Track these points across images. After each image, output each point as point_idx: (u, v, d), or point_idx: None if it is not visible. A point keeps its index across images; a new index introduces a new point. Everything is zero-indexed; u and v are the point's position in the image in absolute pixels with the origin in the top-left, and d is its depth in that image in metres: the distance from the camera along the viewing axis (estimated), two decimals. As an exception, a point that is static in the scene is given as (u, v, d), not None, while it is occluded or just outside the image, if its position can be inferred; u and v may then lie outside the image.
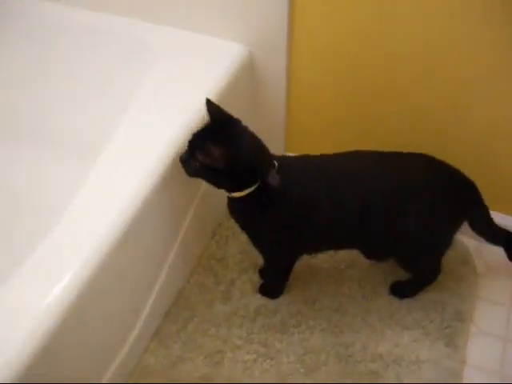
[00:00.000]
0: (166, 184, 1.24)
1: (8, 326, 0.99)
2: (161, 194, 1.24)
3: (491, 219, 1.40)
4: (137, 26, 1.54)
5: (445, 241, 1.37)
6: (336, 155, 1.29)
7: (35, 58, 1.65)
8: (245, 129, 1.19)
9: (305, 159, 1.29)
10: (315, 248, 1.41)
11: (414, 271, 1.46)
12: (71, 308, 1.03)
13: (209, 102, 1.18)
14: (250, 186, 1.19)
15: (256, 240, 1.36)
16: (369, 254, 1.43)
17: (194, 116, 1.30)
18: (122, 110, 1.34)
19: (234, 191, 1.21)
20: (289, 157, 1.31)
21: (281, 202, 1.22)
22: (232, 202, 1.28)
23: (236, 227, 1.61)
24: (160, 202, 1.26)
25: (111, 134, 1.28)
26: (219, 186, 1.22)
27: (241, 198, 1.21)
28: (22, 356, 0.96)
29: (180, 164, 1.22)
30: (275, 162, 1.21)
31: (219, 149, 1.11)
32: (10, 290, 1.03)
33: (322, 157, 1.28)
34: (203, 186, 1.45)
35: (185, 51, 1.48)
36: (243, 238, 1.62)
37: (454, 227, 1.36)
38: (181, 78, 1.40)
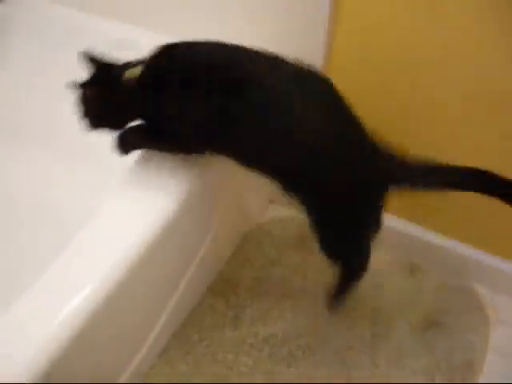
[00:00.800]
0: (190, 205, 1.24)
1: (20, 339, 0.98)
2: (184, 216, 1.24)
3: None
4: (132, 31, 1.53)
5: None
6: None
7: (32, 58, 1.65)
8: None
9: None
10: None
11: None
12: (84, 325, 1.03)
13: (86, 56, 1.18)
14: None
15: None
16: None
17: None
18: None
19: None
20: None
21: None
22: None
23: (251, 253, 1.63)
24: (182, 224, 1.26)
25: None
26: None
27: None
28: (32, 371, 0.95)
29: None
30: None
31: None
32: (23, 302, 1.02)
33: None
34: (222, 210, 1.45)
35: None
36: (258, 263, 1.62)
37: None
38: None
